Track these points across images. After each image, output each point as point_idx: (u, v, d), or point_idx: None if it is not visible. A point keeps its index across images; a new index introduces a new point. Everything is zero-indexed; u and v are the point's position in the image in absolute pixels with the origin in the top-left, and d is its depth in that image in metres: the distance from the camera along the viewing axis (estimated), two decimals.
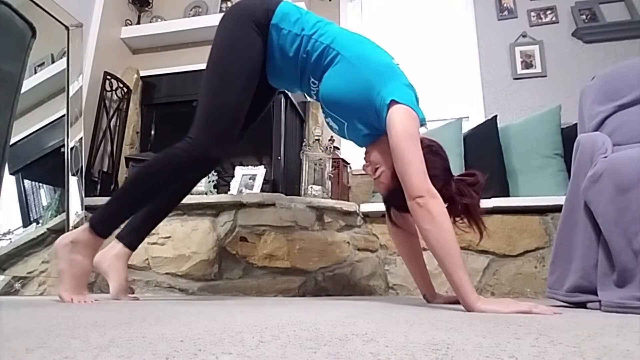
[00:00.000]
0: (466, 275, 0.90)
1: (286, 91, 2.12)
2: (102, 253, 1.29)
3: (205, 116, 1.15)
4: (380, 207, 1.56)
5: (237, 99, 1.16)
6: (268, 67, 1.23)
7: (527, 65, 2.68)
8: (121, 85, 2.31)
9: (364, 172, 1.27)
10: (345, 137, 1.27)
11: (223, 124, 1.14)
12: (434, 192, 0.97)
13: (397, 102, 1.03)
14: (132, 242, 1.30)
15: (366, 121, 1.14)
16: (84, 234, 1.10)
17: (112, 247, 1.28)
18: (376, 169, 1.16)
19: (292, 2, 1.25)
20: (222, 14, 1.26)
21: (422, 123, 1.12)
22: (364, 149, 1.24)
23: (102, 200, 1.79)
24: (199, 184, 2.03)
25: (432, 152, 1.08)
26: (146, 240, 1.67)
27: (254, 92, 1.24)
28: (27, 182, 1.71)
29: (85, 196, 1.80)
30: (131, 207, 1.19)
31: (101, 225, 1.12)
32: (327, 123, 1.27)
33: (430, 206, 0.95)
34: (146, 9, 2.77)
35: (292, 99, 2.31)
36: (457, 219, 1.11)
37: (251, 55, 1.18)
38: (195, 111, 1.16)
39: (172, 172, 1.16)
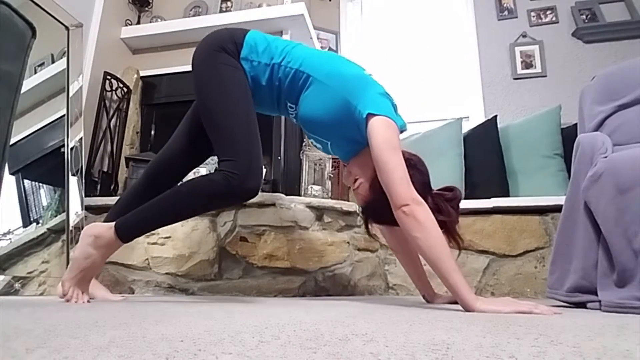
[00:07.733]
0: (461, 276, 0.91)
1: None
2: None
3: (237, 150, 1.10)
4: None
5: (253, 126, 1.15)
6: None
7: (527, 65, 2.68)
8: (121, 85, 2.31)
9: None
10: (330, 154, 1.28)
11: (253, 153, 1.12)
12: (418, 200, 0.97)
13: (374, 115, 1.04)
14: None
15: (349, 137, 1.15)
16: (108, 232, 1.08)
17: None
18: (355, 181, 1.18)
19: (258, 31, 1.24)
20: (194, 54, 1.22)
21: (402, 129, 1.13)
22: None
23: (102, 201, 1.81)
24: None
25: (411, 165, 1.07)
26: (146, 240, 1.69)
27: None
28: (27, 182, 1.71)
29: (85, 196, 1.79)
30: (160, 221, 1.16)
31: (125, 228, 1.09)
32: (312, 142, 1.29)
33: (416, 213, 0.96)
34: (146, 9, 2.77)
35: None
36: None
37: (241, 77, 1.17)
38: (219, 149, 1.13)
39: (208, 200, 1.12)
